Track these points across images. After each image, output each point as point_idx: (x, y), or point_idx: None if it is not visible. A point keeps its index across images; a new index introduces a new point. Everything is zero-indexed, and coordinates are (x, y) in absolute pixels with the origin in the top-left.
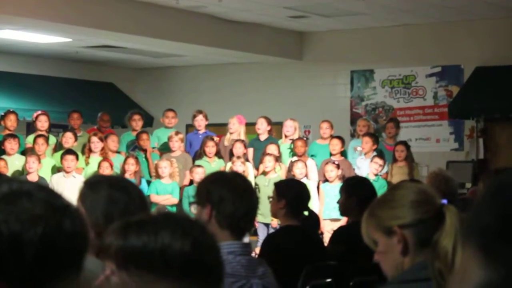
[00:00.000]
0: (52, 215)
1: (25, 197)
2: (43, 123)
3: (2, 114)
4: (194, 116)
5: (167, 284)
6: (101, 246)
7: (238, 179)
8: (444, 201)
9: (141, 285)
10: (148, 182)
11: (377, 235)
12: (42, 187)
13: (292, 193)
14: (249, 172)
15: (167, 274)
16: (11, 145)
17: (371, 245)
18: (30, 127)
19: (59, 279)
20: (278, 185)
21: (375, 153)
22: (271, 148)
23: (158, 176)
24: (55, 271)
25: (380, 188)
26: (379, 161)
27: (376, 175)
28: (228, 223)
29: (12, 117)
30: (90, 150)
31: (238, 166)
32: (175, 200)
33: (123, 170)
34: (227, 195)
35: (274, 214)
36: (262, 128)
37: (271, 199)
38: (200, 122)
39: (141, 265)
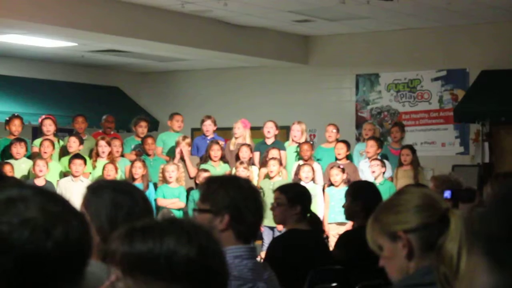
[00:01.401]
0: (43, 220)
1: (20, 202)
2: (47, 126)
3: (7, 118)
4: (203, 121)
5: None
6: (107, 251)
7: (246, 183)
8: (448, 192)
9: None
10: (155, 186)
11: (382, 240)
12: (41, 193)
13: (303, 198)
14: (254, 176)
15: (172, 280)
16: (16, 149)
17: (376, 250)
18: (38, 132)
19: (53, 284)
20: (289, 191)
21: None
22: (273, 153)
23: (165, 181)
24: (45, 275)
25: (387, 191)
26: (375, 163)
27: (376, 178)
28: (239, 228)
29: (16, 122)
30: (98, 154)
31: (241, 171)
32: (182, 204)
33: (131, 174)
34: (241, 201)
35: (283, 221)
36: (272, 132)
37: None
38: (208, 127)
39: (147, 271)
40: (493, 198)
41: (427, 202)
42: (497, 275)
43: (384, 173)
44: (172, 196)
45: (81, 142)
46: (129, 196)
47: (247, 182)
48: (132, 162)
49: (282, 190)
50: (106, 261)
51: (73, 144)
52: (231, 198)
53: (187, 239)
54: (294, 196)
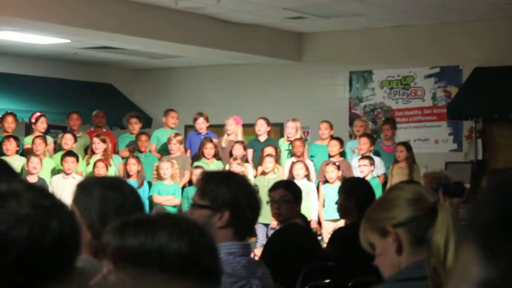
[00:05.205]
0: (38, 215)
1: (12, 198)
2: (38, 125)
3: (0, 116)
4: (195, 119)
5: (164, 284)
6: (98, 247)
7: (245, 180)
8: (440, 187)
9: (137, 284)
10: (149, 184)
11: (373, 238)
12: (31, 188)
13: (302, 194)
14: (249, 173)
15: (163, 274)
16: (6, 146)
17: (369, 249)
18: (30, 129)
19: (47, 279)
20: (293, 188)
21: (361, 156)
22: (268, 150)
23: (160, 178)
24: (42, 270)
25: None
26: (363, 162)
27: (365, 176)
28: (238, 225)
29: (9, 119)
30: (92, 151)
31: (235, 167)
32: (178, 201)
33: (126, 172)
34: (242, 198)
35: (289, 218)
36: (262, 129)
37: (278, 202)
38: (201, 125)
39: (138, 264)
40: (486, 189)
41: (415, 197)
42: (490, 266)
43: (372, 171)
44: (167, 193)
45: (76, 139)
46: (118, 192)
47: (245, 178)
48: (126, 159)
49: (287, 187)
50: (98, 257)
51: (69, 142)
52: (232, 194)
53: (179, 234)
54: (298, 193)
